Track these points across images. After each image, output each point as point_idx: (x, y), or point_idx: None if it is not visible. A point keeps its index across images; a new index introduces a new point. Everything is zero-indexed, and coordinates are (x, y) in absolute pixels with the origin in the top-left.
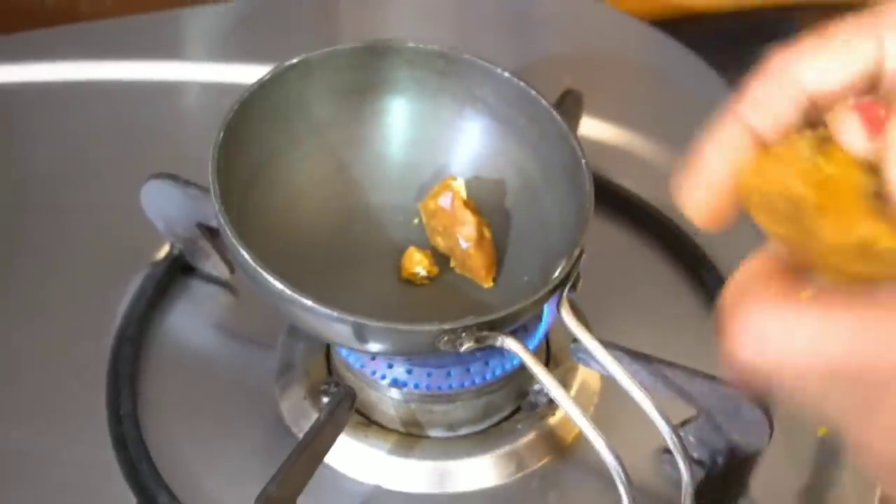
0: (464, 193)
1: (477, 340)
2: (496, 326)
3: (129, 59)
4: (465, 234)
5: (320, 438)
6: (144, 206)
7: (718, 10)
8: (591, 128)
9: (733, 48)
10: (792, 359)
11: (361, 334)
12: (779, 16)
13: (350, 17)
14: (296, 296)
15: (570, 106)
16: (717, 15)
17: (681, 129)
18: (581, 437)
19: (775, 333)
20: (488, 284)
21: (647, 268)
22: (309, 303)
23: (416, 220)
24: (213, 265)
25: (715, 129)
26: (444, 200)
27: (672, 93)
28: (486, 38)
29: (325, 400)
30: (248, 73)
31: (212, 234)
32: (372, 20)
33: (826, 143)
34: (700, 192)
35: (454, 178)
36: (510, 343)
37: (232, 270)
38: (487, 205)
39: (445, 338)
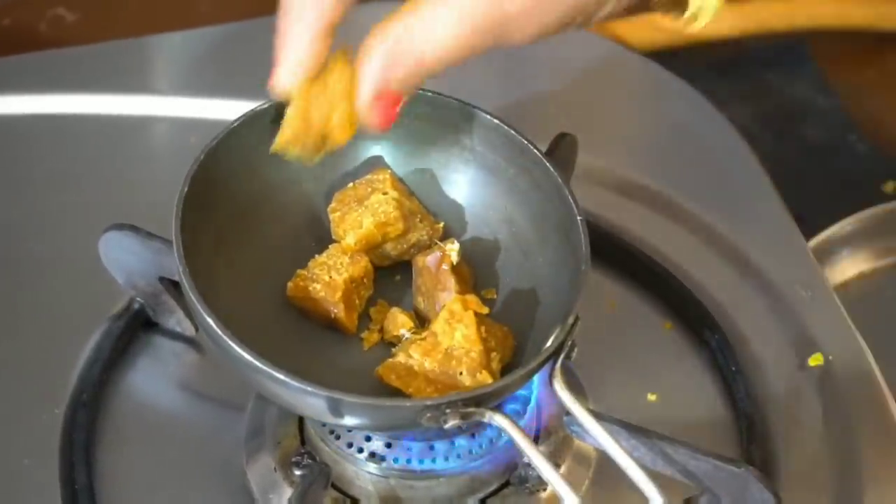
0: (454, 258)
1: (462, 417)
2: (483, 402)
3: (90, 91)
4: (444, 301)
5: None
6: (103, 258)
7: (716, 38)
8: (586, 170)
9: (731, 77)
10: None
11: (337, 409)
12: (782, 43)
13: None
14: (266, 368)
15: (564, 152)
16: (715, 43)
17: (679, 169)
18: None
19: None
20: None
21: (646, 327)
22: (280, 376)
23: (397, 278)
24: (178, 321)
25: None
26: (431, 260)
27: (670, 130)
28: (472, 73)
29: (297, 473)
30: (220, 108)
31: (176, 288)
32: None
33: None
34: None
35: (452, 241)
36: (499, 419)
37: (198, 328)
38: (473, 262)
39: (428, 414)
